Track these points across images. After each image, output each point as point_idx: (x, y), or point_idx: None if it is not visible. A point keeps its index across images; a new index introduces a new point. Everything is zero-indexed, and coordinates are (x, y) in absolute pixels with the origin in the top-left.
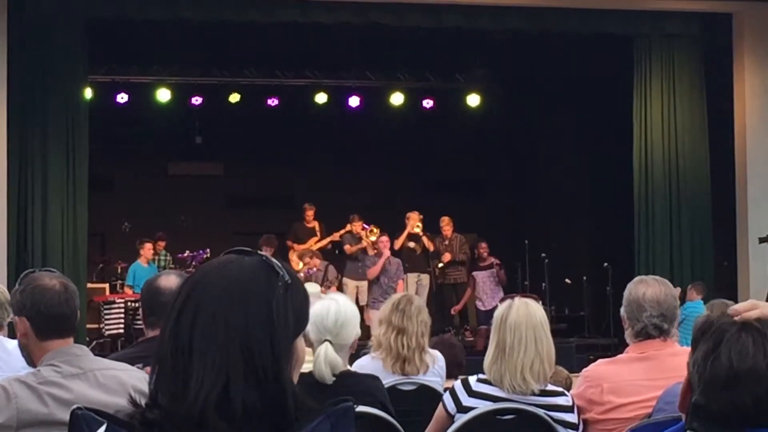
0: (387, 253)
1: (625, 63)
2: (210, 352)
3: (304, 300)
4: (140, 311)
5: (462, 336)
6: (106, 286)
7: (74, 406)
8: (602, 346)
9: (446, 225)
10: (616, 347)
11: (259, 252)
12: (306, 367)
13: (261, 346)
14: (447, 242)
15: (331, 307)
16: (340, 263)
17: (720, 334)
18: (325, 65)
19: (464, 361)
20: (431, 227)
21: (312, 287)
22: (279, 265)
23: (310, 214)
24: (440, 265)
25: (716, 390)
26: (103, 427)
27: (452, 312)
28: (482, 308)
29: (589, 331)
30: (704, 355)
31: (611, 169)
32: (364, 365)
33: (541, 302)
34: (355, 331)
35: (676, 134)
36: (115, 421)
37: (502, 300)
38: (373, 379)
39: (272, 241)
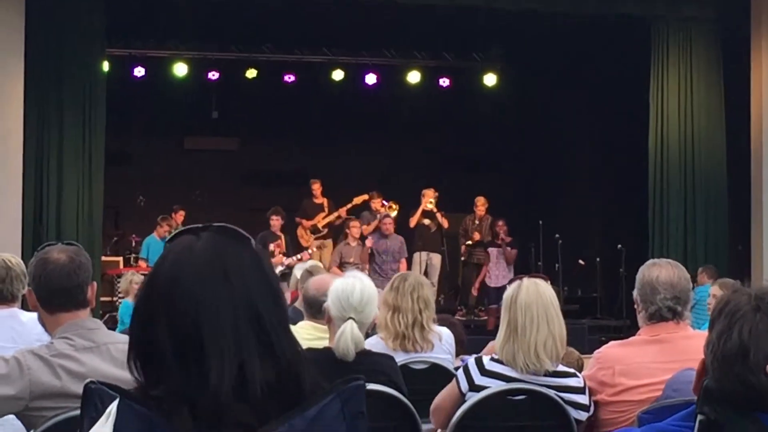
0: (369, 242)
1: (642, 45)
2: (222, 337)
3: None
4: None
5: (476, 315)
6: (120, 259)
7: (87, 380)
8: (614, 327)
9: (481, 205)
10: (628, 329)
11: (209, 225)
12: (320, 344)
13: (269, 315)
14: (478, 222)
15: (356, 285)
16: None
17: (734, 313)
18: (343, 42)
19: (465, 339)
20: (445, 206)
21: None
22: (238, 229)
23: (316, 188)
24: (468, 243)
25: (727, 368)
26: (116, 402)
27: (473, 293)
28: (491, 284)
29: (601, 312)
30: (718, 335)
31: (627, 151)
32: (372, 345)
33: (549, 282)
34: (375, 311)
35: (693, 117)
36: (129, 396)
37: (511, 281)
38: (388, 358)
39: (280, 212)
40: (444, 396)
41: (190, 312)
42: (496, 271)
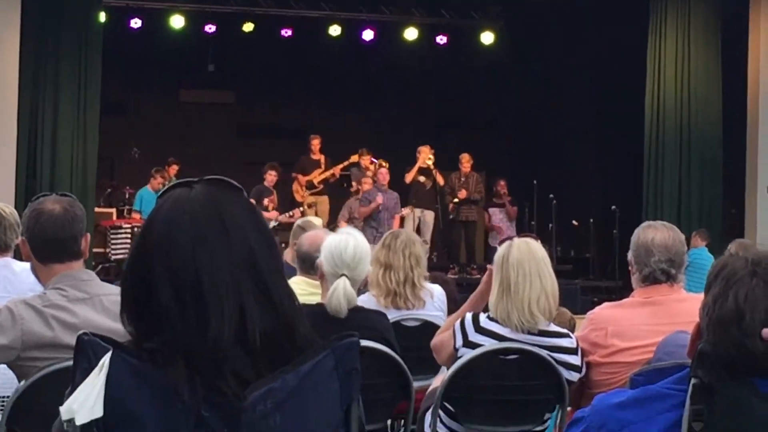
0: (379, 199)
1: (640, 6)
2: (221, 284)
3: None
4: None
5: (468, 274)
6: (114, 210)
7: (81, 332)
8: (607, 288)
9: (466, 162)
10: (620, 290)
11: (201, 179)
12: (313, 299)
13: (265, 262)
14: (464, 179)
15: (350, 242)
16: (342, 197)
17: (731, 277)
18: None
19: (457, 297)
20: (440, 164)
21: (316, 221)
22: (231, 180)
23: (315, 144)
24: (455, 200)
25: (722, 331)
26: (109, 354)
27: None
28: (495, 245)
29: (594, 273)
30: (714, 299)
31: (623, 114)
32: (364, 301)
33: (539, 241)
34: (368, 268)
35: (689, 80)
36: (122, 348)
37: (501, 242)
38: (380, 315)
39: (276, 167)
40: (443, 339)
41: (188, 258)
42: (503, 234)
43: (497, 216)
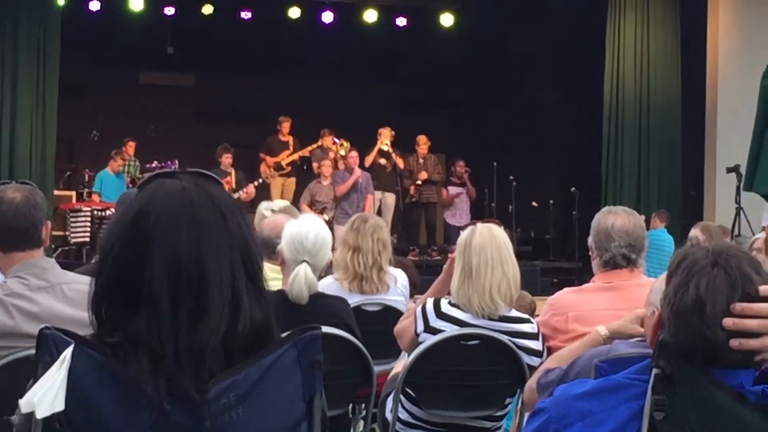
0: (358, 171)
1: None
2: (222, 279)
3: None
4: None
5: (428, 256)
6: (73, 193)
7: (42, 326)
8: (566, 269)
9: (423, 144)
10: (580, 271)
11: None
12: (274, 285)
13: (255, 257)
14: (422, 161)
15: (310, 229)
16: (306, 179)
17: (692, 267)
18: None
19: (417, 281)
20: (401, 146)
21: (281, 203)
22: (212, 173)
23: (286, 126)
24: (418, 182)
25: (683, 322)
26: (71, 347)
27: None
28: (453, 223)
29: (554, 254)
30: (675, 289)
31: (582, 95)
32: (326, 285)
33: (503, 227)
34: (329, 255)
35: (649, 63)
36: (83, 342)
37: (464, 226)
38: (341, 300)
39: (229, 149)
40: (405, 326)
41: (192, 248)
42: (459, 210)
43: (459, 195)
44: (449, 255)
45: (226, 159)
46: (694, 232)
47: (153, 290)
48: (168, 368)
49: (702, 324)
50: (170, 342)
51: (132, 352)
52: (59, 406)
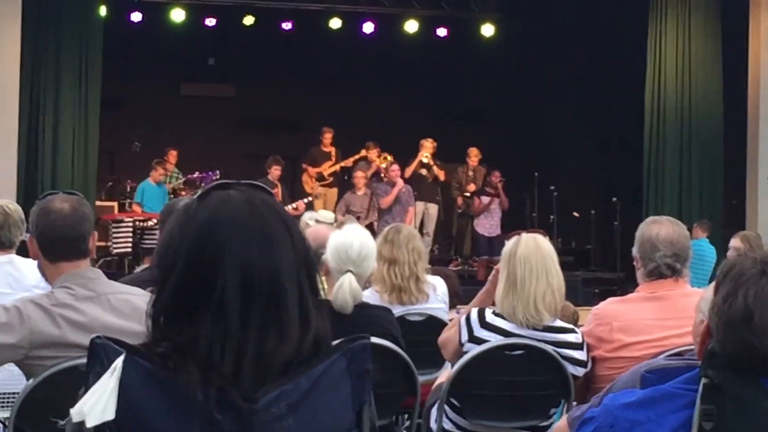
0: (400, 183)
1: None
2: (293, 285)
3: None
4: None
5: (470, 266)
6: (115, 204)
7: (94, 336)
8: (608, 279)
9: (474, 156)
10: (622, 281)
11: (240, 182)
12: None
13: (315, 262)
14: (471, 173)
15: (355, 239)
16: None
17: (740, 277)
18: None
19: (460, 291)
20: (441, 156)
21: (326, 214)
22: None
23: (328, 137)
24: (466, 194)
25: (732, 331)
26: (122, 357)
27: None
28: (482, 233)
29: (595, 264)
30: (723, 298)
31: (623, 104)
32: (366, 297)
33: (548, 237)
34: (374, 265)
35: (690, 71)
36: (134, 352)
37: (509, 236)
38: (385, 310)
39: (280, 161)
40: (449, 336)
41: (265, 258)
42: (490, 220)
43: (485, 200)
44: (495, 266)
45: (276, 171)
46: (734, 242)
47: (224, 301)
48: (221, 378)
49: (750, 333)
50: (233, 353)
51: (181, 361)
52: (110, 415)
